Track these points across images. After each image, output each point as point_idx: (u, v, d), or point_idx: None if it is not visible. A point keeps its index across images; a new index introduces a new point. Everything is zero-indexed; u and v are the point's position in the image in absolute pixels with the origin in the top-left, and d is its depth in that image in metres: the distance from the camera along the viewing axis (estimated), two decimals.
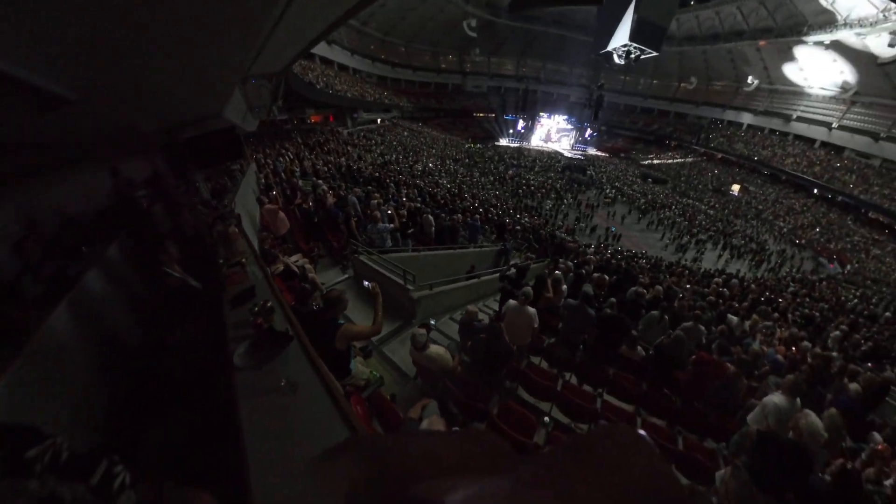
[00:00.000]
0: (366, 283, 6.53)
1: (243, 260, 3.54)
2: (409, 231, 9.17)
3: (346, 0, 4.33)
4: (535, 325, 4.76)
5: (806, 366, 5.64)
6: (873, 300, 15.98)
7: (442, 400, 3.62)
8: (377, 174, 16.52)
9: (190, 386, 2.31)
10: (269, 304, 2.53)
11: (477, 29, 48.64)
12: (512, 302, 4.85)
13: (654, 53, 28.49)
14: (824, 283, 18.97)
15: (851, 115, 37.12)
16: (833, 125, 38.40)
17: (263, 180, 10.99)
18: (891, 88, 32.48)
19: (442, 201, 14.50)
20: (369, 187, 12.54)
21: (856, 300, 15.36)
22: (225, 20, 2.63)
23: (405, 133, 41.32)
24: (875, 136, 34.63)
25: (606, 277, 7.21)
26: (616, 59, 30.01)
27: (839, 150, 38.23)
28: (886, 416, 5.55)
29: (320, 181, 11.73)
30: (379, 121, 42.23)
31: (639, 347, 5.53)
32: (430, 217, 10.05)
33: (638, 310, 6.51)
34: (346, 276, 7.41)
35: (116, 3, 1.74)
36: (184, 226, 4.37)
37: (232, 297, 2.95)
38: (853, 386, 5.24)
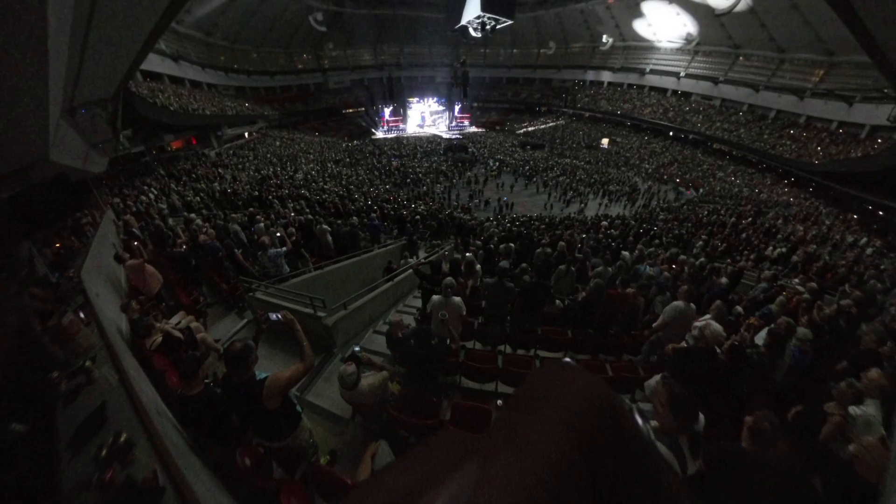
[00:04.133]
0: (272, 315, 5.80)
1: (87, 363, 2.55)
2: (302, 246, 8.40)
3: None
4: (464, 313, 4.64)
5: (686, 275, 7.37)
6: (722, 211, 18.99)
7: (391, 434, 3.30)
8: (257, 192, 15.14)
9: None
10: (122, 439, 1.67)
11: (325, 22, 46.51)
12: (435, 297, 4.66)
13: (509, 21, 29.61)
14: (685, 206, 22.58)
15: (695, 64, 43.65)
16: (681, 74, 44.84)
17: (125, 229, 9.14)
18: (726, 37, 38.60)
19: (332, 208, 13.76)
20: (251, 209, 11.36)
21: (709, 214, 18.43)
22: None
23: (277, 143, 38.58)
24: (715, 81, 41.46)
25: (512, 245, 7.56)
26: (472, 33, 30.71)
27: (687, 95, 44.83)
28: (742, 293, 7.46)
29: (192, 215, 10.31)
30: (247, 135, 38.71)
31: (556, 301, 5.87)
32: (325, 226, 9.40)
33: (548, 269, 6.88)
34: (245, 321, 6.36)
35: None
36: None
37: (71, 436, 1.98)
38: (723, 279, 6.96)
